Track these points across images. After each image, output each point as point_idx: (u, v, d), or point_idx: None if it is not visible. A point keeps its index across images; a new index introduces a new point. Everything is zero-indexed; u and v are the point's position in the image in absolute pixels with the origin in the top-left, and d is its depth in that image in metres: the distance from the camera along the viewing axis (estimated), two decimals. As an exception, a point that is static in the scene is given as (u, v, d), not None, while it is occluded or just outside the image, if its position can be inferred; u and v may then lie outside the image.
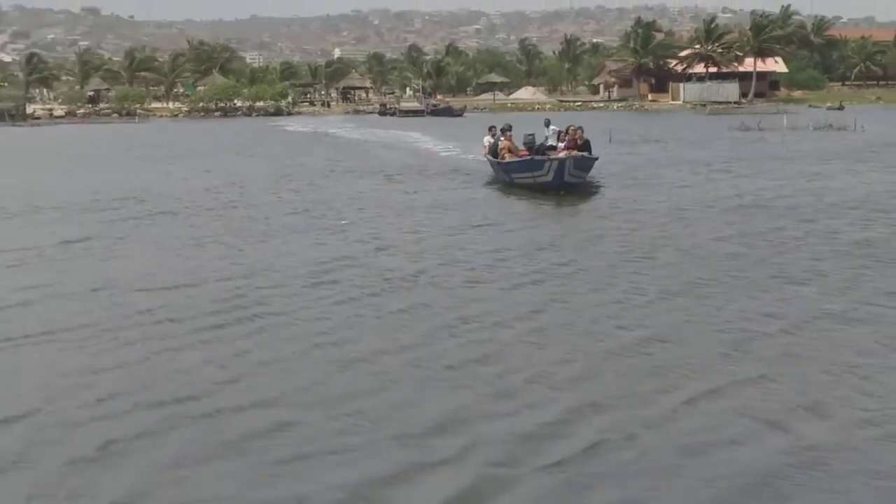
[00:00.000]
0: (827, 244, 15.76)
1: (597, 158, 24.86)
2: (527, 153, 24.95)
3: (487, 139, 27.47)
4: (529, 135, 25.88)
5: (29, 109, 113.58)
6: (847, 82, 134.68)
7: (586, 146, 24.56)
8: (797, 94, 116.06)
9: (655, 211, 20.28)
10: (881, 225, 17.73)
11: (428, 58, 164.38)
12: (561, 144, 24.90)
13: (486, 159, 27.69)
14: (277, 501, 6.56)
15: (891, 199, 21.68)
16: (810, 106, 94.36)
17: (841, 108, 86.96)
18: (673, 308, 11.71)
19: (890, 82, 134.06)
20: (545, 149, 25.11)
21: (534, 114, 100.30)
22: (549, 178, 22.08)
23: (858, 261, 14.19)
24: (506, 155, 24.91)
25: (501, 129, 26.52)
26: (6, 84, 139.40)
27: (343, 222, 19.83)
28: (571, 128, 25.36)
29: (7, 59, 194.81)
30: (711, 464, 6.93)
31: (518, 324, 11.03)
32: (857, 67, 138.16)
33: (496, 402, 8.39)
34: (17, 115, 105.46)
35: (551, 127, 26.98)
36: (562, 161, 22.13)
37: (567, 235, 17.59)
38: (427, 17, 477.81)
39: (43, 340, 10.68)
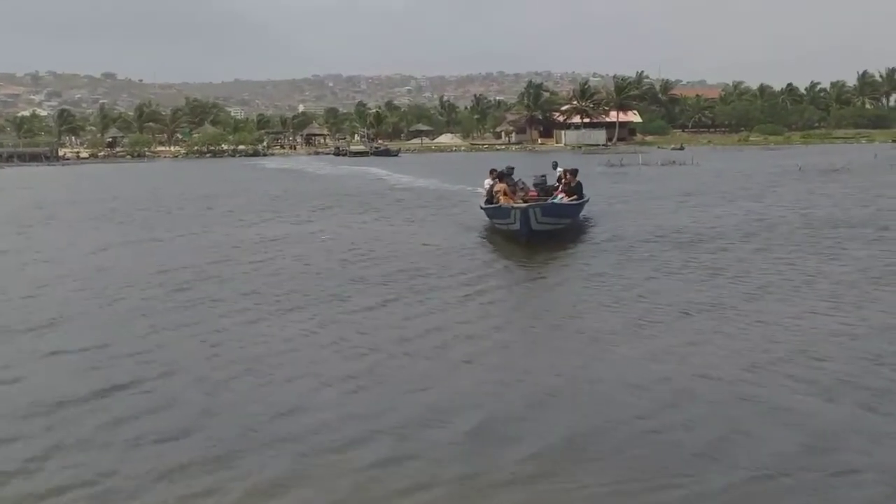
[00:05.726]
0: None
1: (580, 203, 20.11)
2: (536, 195, 20.07)
3: (488, 181, 20.80)
4: (541, 176, 21.64)
5: (60, 152, 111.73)
6: (686, 129, 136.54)
7: (577, 189, 20.14)
8: (649, 138, 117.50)
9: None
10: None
11: (371, 111, 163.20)
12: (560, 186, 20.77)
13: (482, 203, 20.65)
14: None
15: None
16: (659, 147, 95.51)
17: (682, 148, 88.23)
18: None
19: (718, 129, 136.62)
20: (552, 189, 20.70)
21: (451, 154, 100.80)
22: (517, 226, 16.70)
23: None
24: (500, 198, 18.83)
25: (500, 173, 20.18)
26: (42, 133, 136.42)
27: (324, 237, 19.60)
28: (565, 171, 21.14)
29: (43, 113, 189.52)
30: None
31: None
32: (693, 118, 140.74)
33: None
34: (51, 157, 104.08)
35: (558, 169, 22.07)
36: (524, 210, 16.59)
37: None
38: (370, 80, 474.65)
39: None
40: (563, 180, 20.72)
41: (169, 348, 9.51)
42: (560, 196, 19.95)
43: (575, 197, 19.93)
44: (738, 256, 15.15)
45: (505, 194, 18.87)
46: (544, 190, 20.76)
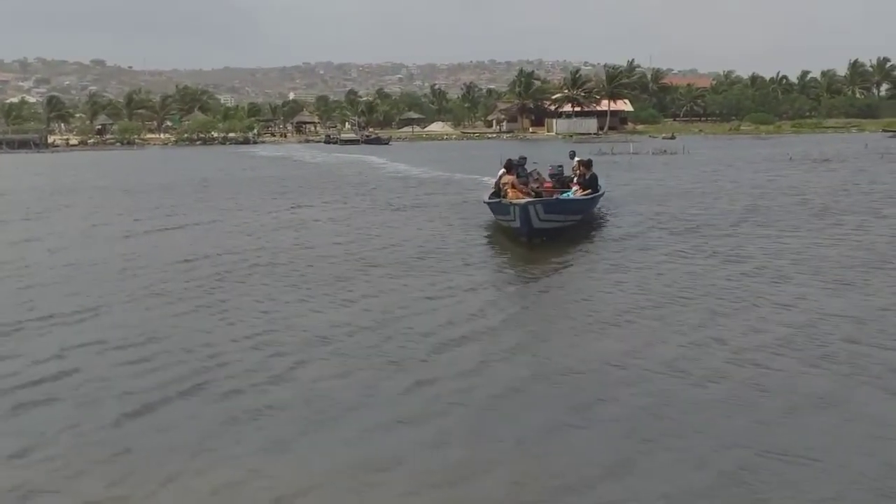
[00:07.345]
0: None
1: (592, 197, 18.43)
2: (551, 186, 19.16)
3: (502, 172, 18.18)
4: (558, 166, 20.55)
5: (49, 140, 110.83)
6: (677, 118, 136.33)
7: (591, 182, 18.52)
8: (640, 127, 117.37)
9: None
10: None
11: (362, 99, 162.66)
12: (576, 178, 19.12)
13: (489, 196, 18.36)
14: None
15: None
16: (650, 136, 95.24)
17: (673, 137, 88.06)
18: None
19: (709, 118, 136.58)
20: (568, 181, 19.46)
21: (442, 142, 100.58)
22: (517, 224, 15.29)
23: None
24: (508, 191, 16.93)
25: (509, 163, 18.12)
26: (31, 120, 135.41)
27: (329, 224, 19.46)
28: (579, 162, 19.29)
29: (32, 100, 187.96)
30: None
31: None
32: (685, 107, 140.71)
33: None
34: (40, 144, 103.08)
35: (576, 159, 19.76)
36: (524, 207, 15.02)
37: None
38: (361, 68, 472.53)
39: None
40: (579, 172, 19.10)
41: (206, 337, 9.55)
42: (574, 189, 18.58)
43: (589, 191, 18.39)
44: (742, 242, 15.55)
45: (513, 187, 16.98)
46: (560, 181, 19.69)
